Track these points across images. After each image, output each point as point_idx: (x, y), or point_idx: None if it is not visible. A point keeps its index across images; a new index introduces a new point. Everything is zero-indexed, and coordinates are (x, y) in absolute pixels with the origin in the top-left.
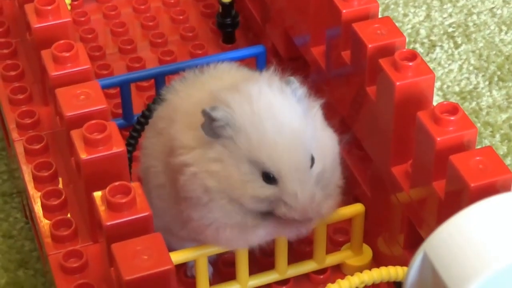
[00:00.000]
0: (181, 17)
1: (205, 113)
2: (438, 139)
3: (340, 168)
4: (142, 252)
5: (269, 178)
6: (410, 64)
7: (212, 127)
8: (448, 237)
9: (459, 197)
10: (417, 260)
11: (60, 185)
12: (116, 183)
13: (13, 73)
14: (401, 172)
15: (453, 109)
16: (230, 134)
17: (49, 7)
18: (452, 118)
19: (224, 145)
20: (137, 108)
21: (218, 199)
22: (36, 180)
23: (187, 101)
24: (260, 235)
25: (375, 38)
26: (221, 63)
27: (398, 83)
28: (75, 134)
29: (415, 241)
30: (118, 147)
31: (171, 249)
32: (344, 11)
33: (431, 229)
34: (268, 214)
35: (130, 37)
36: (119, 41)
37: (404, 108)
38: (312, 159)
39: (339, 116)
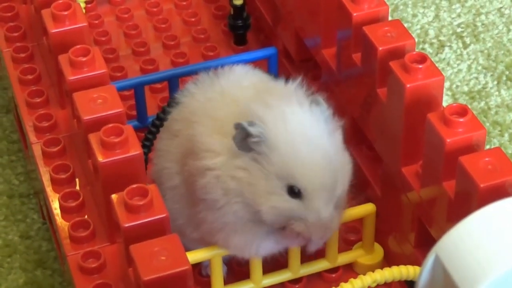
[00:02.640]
0: (193, 19)
1: (240, 127)
2: (448, 140)
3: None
4: (159, 253)
5: (294, 192)
6: (420, 66)
7: (246, 141)
8: (458, 240)
9: (469, 197)
10: (429, 262)
11: (78, 187)
12: (134, 186)
13: (30, 76)
14: (411, 173)
15: (462, 111)
16: (263, 150)
17: (66, 12)
18: (461, 119)
19: (253, 159)
20: (151, 110)
21: (233, 203)
22: (54, 182)
23: (209, 104)
24: (268, 246)
25: (385, 41)
26: (235, 65)
27: (408, 85)
28: (93, 138)
29: (425, 240)
30: (135, 150)
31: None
32: (354, 14)
33: (441, 228)
34: (279, 228)
35: (143, 39)
36: (133, 43)
37: (414, 110)
38: (338, 181)
39: (349, 117)
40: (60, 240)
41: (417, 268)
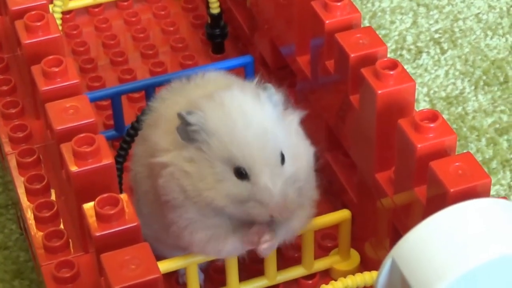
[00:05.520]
0: (171, 29)
1: (180, 117)
2: (419, 146)
3: (314, 182)
4: (130, 261)
5: (241, 174)
6: (391, 72)
7: (186, 130)
8: (414, 244)
9: (440, 202)
10: (386, 266)
11: (53, 197)
12: (105, 195)
13: (5, 87)
14: (385, 178)
15: (433, 116)
16: (203, 138)
17: (39, 23)
18: (431, 125)
19: (198, 148)
20: (129, 119)
21: (193, 200)
22: (29, 192)
23: (171, 108)
24: (233, 243)
25: (357, 48)
26: (209, 71)
27: (379, 92)
28: (65, 148)
29: None
30: (107, 159)
31: (162, 257)
32: (327, 21)
33: None
34: (240, 227)
35: (122, 49)
36: (111, 53)
37: (386, 116)
38: (283, 157)
39: (325, 125)
40: (35, 250)
41: None
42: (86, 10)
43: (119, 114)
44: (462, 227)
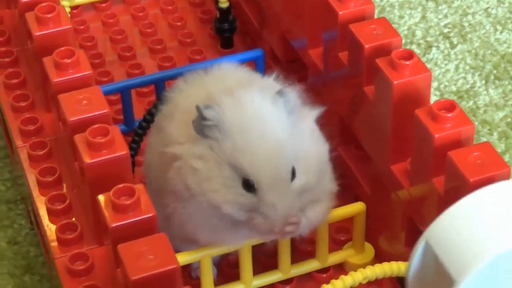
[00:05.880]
0: (179, 23)
1: (197, 109)
2: (436, 135)
3: (331, 174)
4: (147, 252)
5: (249, 186)
6: (407, 63)
7: (201, 124)
8: (448, 225)
9: (459, 192)
10: (419, 249)
11: (64, 190)
12: (120, 185)
13: (15, 81)
14: (400, 170)
15: (450, 106)
16: (217, 136)
17: (50, 15)
18: (449, 115)
19: (210, 146)
20: (138, 113)
21: (197, 198)
22: (41, 185)
23: (187, 99)
24: (235, 237)
25: (371, 39)
26: (224, 63)
27: (395, 82)
28: (79, 139)
29: (416, 238)
30: (121, 150)
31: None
32: (340, 12)
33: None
34: (244, 222)
35: (129, 44)
36: (119, 48)
37: (401, 107)
38: (293, 173)
39: (337, 118)
40: (48, 243)
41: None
42: (92, 5)
43: (129, 108)
44: (499, 207)
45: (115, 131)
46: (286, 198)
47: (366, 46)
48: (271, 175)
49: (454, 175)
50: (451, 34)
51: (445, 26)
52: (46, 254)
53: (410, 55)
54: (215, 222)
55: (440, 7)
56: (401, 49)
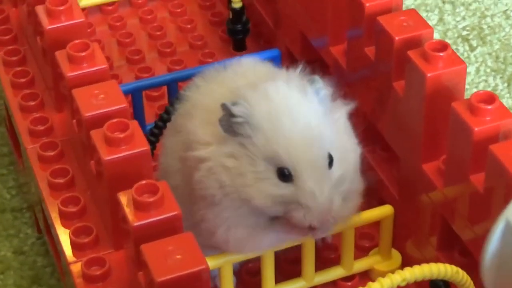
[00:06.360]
0: (188, 26)
1: (224, 108)
2: (476, 129)
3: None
4: (174, 252)
5: (284, 175)
6: (441, 54)
7: (230, 122)
8: None
9: (502, 189)
10: (498, 229)
11: (78, 192)
12: (143, 182)
13: (23, 80)
14: (433, 169)
15: (490, 98)
16: (247, 132)
17: (62, 8)
18: (489, 107)
19: (240, 143)
20: (148, 118)
21: (231, 197)
22: (52, 187)
23: (208, 96)
24: (271, 238)
25: (401, 31)
26: (243, 58)
27: (429, 75)
28: (96, 135)
29: (449, 241)
30: (142, 146)
31: None
32: (367, 4)
33: (469, 227)
34: (280, 218)
35: (138, 47)
36: (127, 51)
37: (435, 101)
38: (331, 159)
39: (361, 117)
40: (61, 248)
41: (448, 266)
42: (99, 8)
43: (140, 111)
44: None
45: (135, 126)
46: (325, 186)
47: (396, 38)
48: (308, 161)
49: (496, 170)
50: (470, 37)
51: (464, 28)
52: (57, 262)
53: (444, 46)
54: (250, 223)
55: (457, 10)
56: (434, 40)
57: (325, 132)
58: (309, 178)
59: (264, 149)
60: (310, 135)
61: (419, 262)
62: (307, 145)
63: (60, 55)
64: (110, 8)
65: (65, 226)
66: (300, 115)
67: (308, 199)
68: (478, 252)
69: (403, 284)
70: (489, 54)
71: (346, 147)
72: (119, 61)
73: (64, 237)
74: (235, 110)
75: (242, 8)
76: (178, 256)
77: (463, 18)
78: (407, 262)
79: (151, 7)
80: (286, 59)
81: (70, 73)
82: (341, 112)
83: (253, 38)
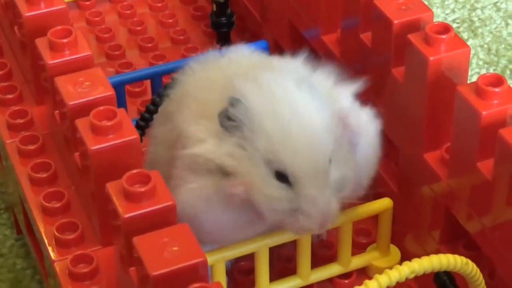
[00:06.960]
0: (170, 21)
1: (220, 113)
2: (484, 113)
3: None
4: (169, 244)
5: (282, 177)
6: (444, 37)
7: (228, 124)
8: None
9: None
10: None
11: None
12: (134, 171)
13: (0, 72)
14: (435, 159)
15: (497, 81)
16: (247, 133)
17: None
18: (497, 89)
19: (238, 144)
20: (131, 114)
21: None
22: (34, 182)
23: (203, 86)
24: (258, 228)
25: (400, 14)
26: (240, 46)
27: (431, 58)
28: (81, 123)
29: (453, 235)
30: (130, 134)
31: None
32: None
33: (477, 218)
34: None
35: (118, 43)
36: (106, 47)
37: (437, 86)
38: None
39: None
40: (44, 246)
41: (457, 257)
42: (76, 3)
43: (123, 106)
44: None
45: (122, 113)
46: (325, 192)
47: (395, 22)
48: (310, 166)
49: (506, 156)
50: (461, 29)
51: (453, 21)
52: (40, 263)
53: (446, 29)
54: (238, 216)
55: (446, 2)
56: (435, 23)
57: (327, 137)
58: (310, 184)
59: (265, 152)
60: (313, 142)
61: (419, 257)
62: (309, 151)
63: (41, 43)
64: (87, 3)
65: (48, 222)
66: (304, 119)
67: (308, 206)
68: (487, 245)
69: (411, 276)
70: (481, 46)
71: (348, 148)
72: (98, 57)
73: (47, 234)
74: (233, 112)
75: (226, 1)
76: (175, 248)
77: (453, 11)
78: (406, 258)
79: (131, 2)
80: (273, 52)
81: (51, 60)
82: (346, 98)
83: (237, 32)
